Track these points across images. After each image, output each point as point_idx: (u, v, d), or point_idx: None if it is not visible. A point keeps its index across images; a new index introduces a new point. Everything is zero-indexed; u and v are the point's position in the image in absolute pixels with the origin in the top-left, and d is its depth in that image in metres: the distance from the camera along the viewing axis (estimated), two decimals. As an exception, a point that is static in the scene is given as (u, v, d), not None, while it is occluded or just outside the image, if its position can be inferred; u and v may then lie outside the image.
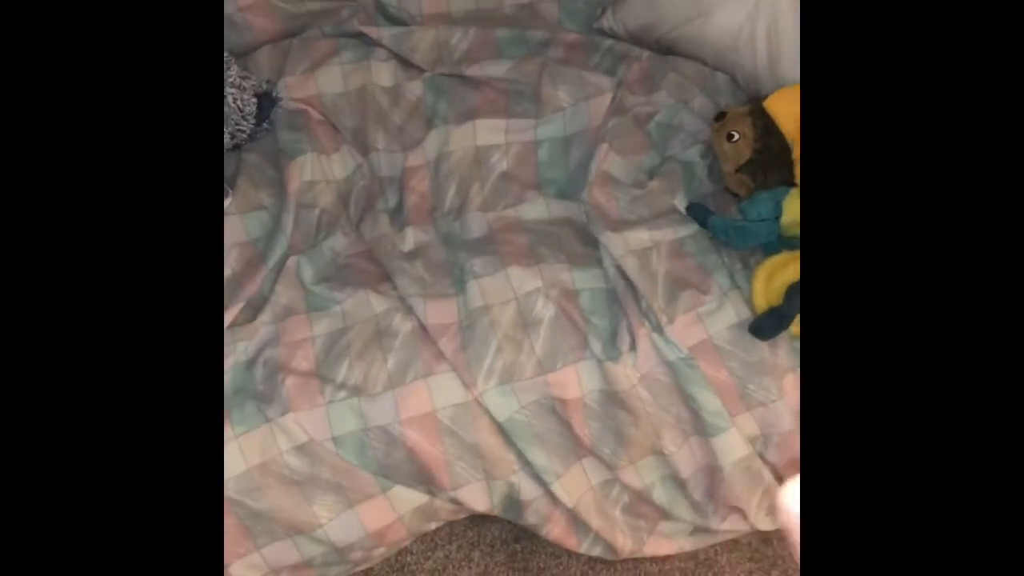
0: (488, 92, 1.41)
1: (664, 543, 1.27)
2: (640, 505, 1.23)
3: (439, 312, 1.18)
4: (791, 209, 1.19)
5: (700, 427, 1.16)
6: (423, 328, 1.17)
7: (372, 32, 1.45)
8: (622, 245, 1.21)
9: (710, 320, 1.17)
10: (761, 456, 1.19)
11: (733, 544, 1.36)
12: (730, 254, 1.25)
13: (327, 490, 1.14)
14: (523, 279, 1.19)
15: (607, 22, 1.51)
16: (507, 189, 1.34)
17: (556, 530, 1.22)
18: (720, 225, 1.25)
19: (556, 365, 1.15)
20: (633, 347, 1.15)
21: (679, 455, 1.18)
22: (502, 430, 1.15)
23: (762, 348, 1.16)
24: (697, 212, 1.27)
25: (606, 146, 1.30)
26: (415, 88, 1.43)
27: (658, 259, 1.21)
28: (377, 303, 1.19)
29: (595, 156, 1.30)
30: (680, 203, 1.30)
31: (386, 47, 1.45)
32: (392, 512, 1.16)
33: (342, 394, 1.12)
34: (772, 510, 1.22)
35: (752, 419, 1.17)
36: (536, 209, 1.32)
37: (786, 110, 1.22)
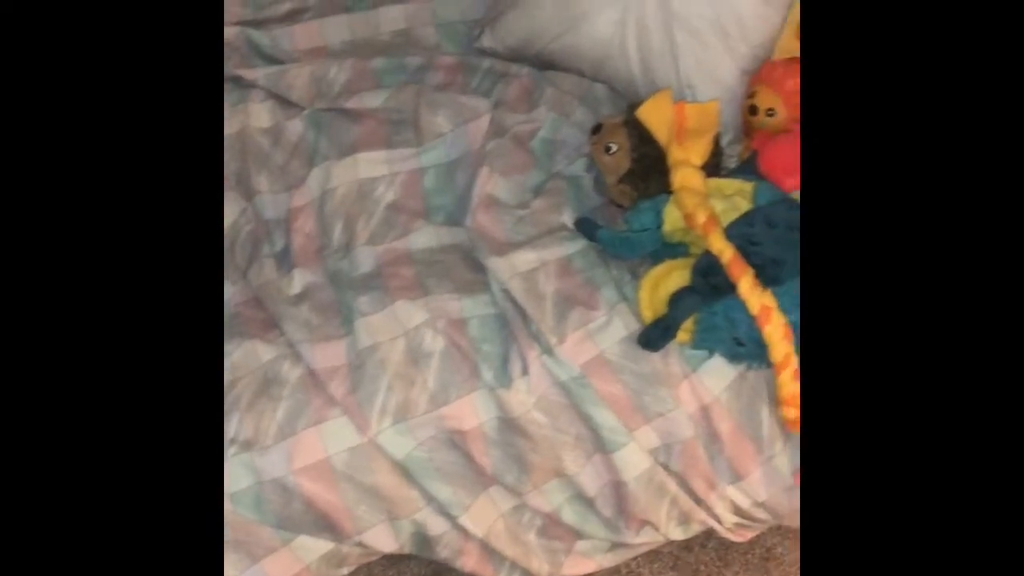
0: (369, 123, 1.39)
1: (583, 562, 1.26)
2: (553, 528, 1.22)
3: (327, 355, 1.16)
4: (671, 217, 1.19)
5: (600, 444, 1.15)
6: (312, 374, 1.15)
7: (247, 74, 1.43)
8: (507, 269, 1.20)
9: (600, 336, 1.16)
10: (665, 466, 1.18)
11: (654, 555, 1.36)
12: (619, 266, 1.24)
13: (229, 548, 1.11)
14: (410, 313, 1.18)
15: (486, 41, 1.50)
16: (395, 220, 1.32)
17: (470, 562, 1.21)
18: (607, 238, 1.24)
19: (450, 398, 1.14)
20: (525, 371, 1.14)
21: (583, 475, 1.17)
22: (401, 469, 1.14)
23: (654, 359, 1.15)
24: (585, 227, 1.27)
25: (487, 169, 1.29)
26: (295, 126, 1.41)
27: (546, 279, 1.21)
28: (264, 352, 1.17)
29: (476, 180, 1.29)
30: (568, 219, 1.29)
31: (263, 87, 1.43)
32: (298, 562, 1.14)
33: (233, 450, 1.10)
34: (683, 519, 1.21)
35: (652, 431, 1.16)
36: (425, 238, 1.30)
37: (657, 117, 1.22)
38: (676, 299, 1.12)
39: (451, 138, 1.36)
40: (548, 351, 1.14)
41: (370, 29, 1.52)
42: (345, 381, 1.14)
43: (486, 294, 1.21)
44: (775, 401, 1.14)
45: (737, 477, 1.19)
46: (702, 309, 1.11)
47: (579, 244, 1.25)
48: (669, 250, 1.22)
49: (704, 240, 1.11)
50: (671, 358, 1.16)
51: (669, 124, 1.21)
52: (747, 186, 1.19)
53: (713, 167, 1.26)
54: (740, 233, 1.11)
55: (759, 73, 1.27)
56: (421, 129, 1.36)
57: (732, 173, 1.26)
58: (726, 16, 1.28)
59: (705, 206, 1.12)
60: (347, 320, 1.19)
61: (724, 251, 1.08)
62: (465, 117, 1.36)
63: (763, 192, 1.16)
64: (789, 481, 1.19)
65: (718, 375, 1.16)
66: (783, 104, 1.23)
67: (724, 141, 1.35)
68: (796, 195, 1.16)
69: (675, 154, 1.18)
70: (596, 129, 1.30)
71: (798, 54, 1.26)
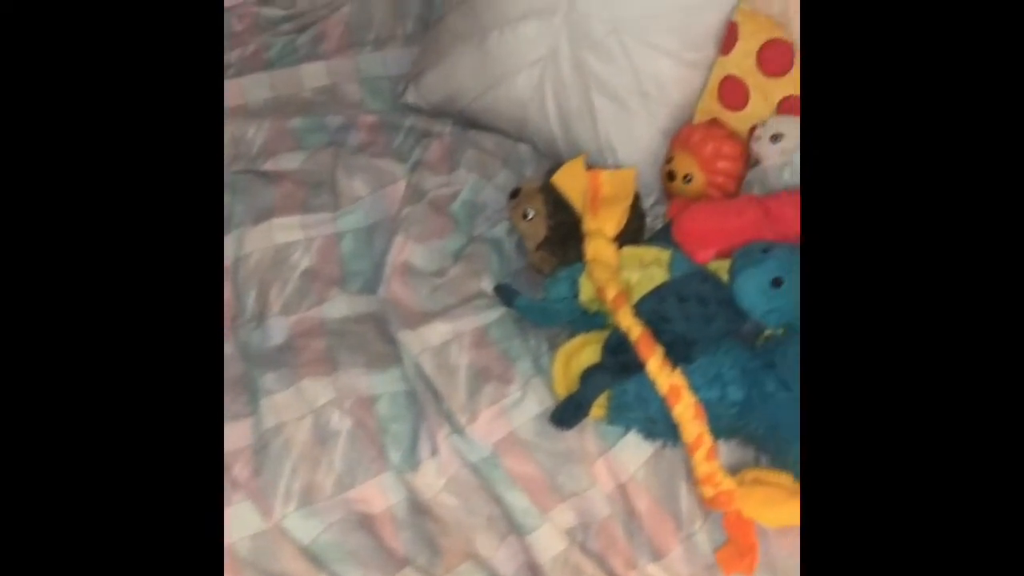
0: (286, 186, 1.36)
1: (501, 643, 1.22)
2: (471, 609, 1.19)
3: (233, 436, 1.12)
4: (587, 287, 1.16)
5: (514, 526, 1.12)
6: (215, 456, 1.11)
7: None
8: (418, 343, 1.16)
9: (514, 412, 1.13)
10: (582, 546, 1.14)
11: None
12: (538, 335, 1.21)
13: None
14: (317, 391, 1.14)
15: (411, 97, 1.47)
16: (309, 288, 1.28)
17: (384, 645, 1.17)
18: (525, 306, 1.21)
19: (356, 480, 1.10)
20: (435, 452, 1.10)
21: (496, 558, 1.13)
22: (308, 554, 1.10)
23: (568, 436, 1.12)
24: (504, 293, 1.24)
25: (401, 238, 1.26)
26: (212, 189, 1.37)
27: (459, 351, 1.17)
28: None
29: (391, 249, 1.25)
30: (488, 285, 1.26)
31: (179, 149, 1.39)
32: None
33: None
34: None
35: (567, 510, 1.13)
36: (339, 307, 1.26)
37: (571, 184, 1.20)
38: (586, 377, 1.09)
39: (369, 202, 1.32)
40: (458, 431, 1.11)
41: (292, 86, 1.49)
42: (249, 464, 1.10)
43: (398, 368, 1.17)
44: (692, 479, 1.11)
45: (657, 555, 1.15)
46: (613, 387, 1.07)
47: (497, 312, 1.22)
48: (587, 320, 1.19)
49: (613, 316, 1.08)
50: (586, 435, 1.12)
51: (583, 191, 1.19)
52: (664, 254, 1.16)
53: (634, 232, 1.24)
54: (650, 309, 1.08)
55: (678, 136, 1.24)
56: (338, 193, 1.33)
57: (652, 238, 1.23)
58: (646, 78, 1.26)
59: (615, 281, 1.09)
60: (253, 399, 1.15)
61: (632, 328, 1.05)
62: (382, 181, 1.33)
63: (678, 263, 1.13)
64: (710, 559, 1.15)
65: (635, 452, 1.12)
66: (700, 169, 1.20)
67: (648, 203, 1.33)
68: (716, 265, 1.13)
69: (588, 224, 1.16)
70: (514, 194, 1.27)
71: (718, 115, 1.24)
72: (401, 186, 1.32)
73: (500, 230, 1.32)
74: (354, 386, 1.15)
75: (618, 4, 1.23)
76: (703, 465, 1.05)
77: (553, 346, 1.21)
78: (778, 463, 1.07)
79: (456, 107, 1.43)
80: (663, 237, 1.20)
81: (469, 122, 1.45)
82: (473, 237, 1.32)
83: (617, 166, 1.32)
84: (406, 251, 1.26)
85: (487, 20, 1.32)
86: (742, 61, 1.18)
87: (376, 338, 1.21)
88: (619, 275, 1.11)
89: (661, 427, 1.08)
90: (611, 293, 1.08)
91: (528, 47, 1.29)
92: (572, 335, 1.19)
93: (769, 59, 1.16)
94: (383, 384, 1.16)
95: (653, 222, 1.33)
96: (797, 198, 1.09)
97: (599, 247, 1.13)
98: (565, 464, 1.12)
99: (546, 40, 1.28)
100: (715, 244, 1.10)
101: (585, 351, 1.12)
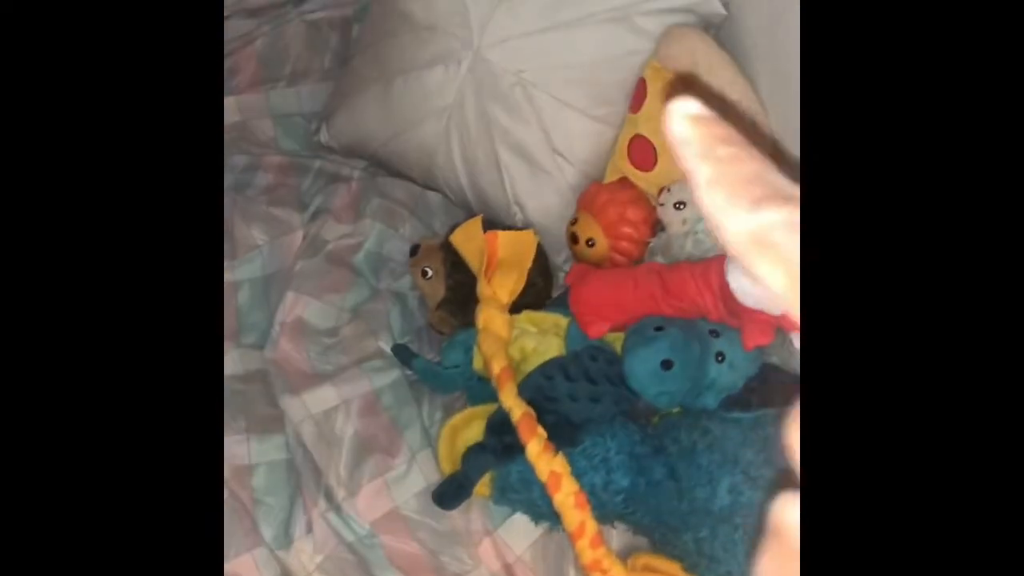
0: (184, 231, 1.29)
1: None
2: None
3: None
4: (478, 356, 1.10)
5: (392, 608, 1.07)
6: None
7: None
8: (301, 409, 1.11)
9: (397, 487, 1.07)
10: (465, 629, 1.09)
11: None
12: (432, 401, 1.16)
13: None
14: (192, 460, 1.08)
15: (324, 136, 1.41)
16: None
17: None
18: (422, 369, 1.16)
19: (229, 555, 1.05)
20: (310, 529, 1.05)
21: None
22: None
23: (453, 515, 1.06)
24: (401, 354, 1.18)
25: (292, 295, 1.20)
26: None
27: (345, 419, 1.12)
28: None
29: (281, 306, 1.20)
30: (386, 343, 1.20)
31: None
32: None
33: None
34: None
35: (451, 591, 1.08)
36: (231, 363, 1.21)
37: (469, 246, 1.14)
38: (468, 456, 1.03)
39: (267, 250, 1.27)
40: (336, 507, 1.05)
41: (200, 122, 1.43)
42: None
43: (281, 435, 1.12)
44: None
45: (545, 640, 1.10)
46: (497, 468, 1.02)
47: (393, 375, 1.16)
48: (483, 387, 1.13)
49: (498, 394, 1.02)
50: (472, 514, 1.07)
51: (480, 253, 1.13)
52: (563, 321, 1.11)
53: (538, 293, 1.18)
54: (536, 386, 1.03)
55: (584, 196, 1.18)
56: (236, 240, 1.27)
57: (555, 302, 1.17)
58: (554, 132, 1.20)
59: (501, 354, 1.04)
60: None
61: (515, 409, 0.99)
62: (280, 231, 1.27)
63: (574, 334, 1.08)
64: (601, 643, 1.11)
65: (522, 533, 1.07)
66: (603, 235, 1.14)
67: (559, 259, 1.27)
68: (612, 337, 1.08)
69: (482, 289, 1.10)
70: (414, 250, 1.21)
71: (627, 174, 1.18)
72: (295, 237, 1.26)
73: (404, 283, 1.27)
74: (233, 454, 1.09)
75: (524, 55, 1.17)
76: (587, 552, 1.00)
77: (448, 412, 1.15)
78: (666, 551, 1.02)
79: (367, 150, 1.37)
80: (563, 302, 1.15)
81: (382, 164, 1.39)
82: (376, 290, 1.26)
83: (525, 222, 1.26)
84: (299, 307, 1.20)
85: (393, 65, 1.26)
86: (650, 120, 1.12)
87: (262, 400, 1.16)
88: (507, 348, 1.05)
89: (546, 511, 1.02)
90: (496, 368, 1.03)
91: (434, 95, 1.23)
92: (467, 403, 1.15)
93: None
94: (263, 452, 1.10)
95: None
96: (696, 270, 1.03)
97: (490, 316, 1.07)
98: (449, 545, 1.07)
99: (452, 88, 1.22)
100: (609, 318, 1.05)
101: (472, 426, 1.07)
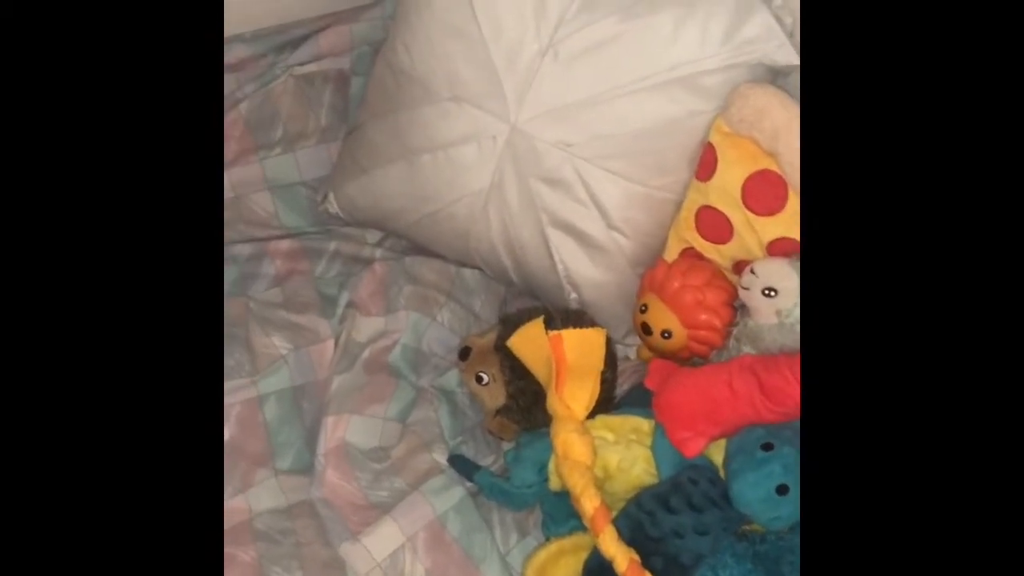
0: (194, 343, 1.14)
1: None
2: None
3: None
4: (555, 477, 0.99)
5: None
6: None
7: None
8: (366, 560, 0.99)
9: (484, 635, 0.97)
10: None
11: None
12: (504, 521, 1.04)
13: None
14: (249, 630, 0.97)
15: (331, 207, 1.25)
16: (232, 469, 1.09)
17: None
18: (487, 484, 1.05)
19: None
20: None
21: None
22: None
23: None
24: (460, 466, 1.07)
25: (333, 419, 1.06)
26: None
27: (414, 559, 1.00)
28: None
29: (322, 435, 1.06)
30: (441, 456, 1.08)
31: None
32: None
33: None
34: None
35: None
36: (268, 495, 1.07)
37: (531, 352, 1.01)
38: (567, 604, 0.93)
39: (292, 359, 1.12)
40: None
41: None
42: None
43: (344, 583, 1.00)
44: None
45: None
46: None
47: (455, 494, 1.04)
48: (561, 501, 1.02)
49: (593, 537, 0.91)
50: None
51: (545, 359, 1.00)
52: (644, 425, 0.99)
53: (608, 388, 1.06)
54: (635, 523, 0.91)
55: (651, 278, 1.05)
56: (255, 351, 1.13)
57: (625, 402, 1.05)
58: (610, 208, 1.06)
59: (590, 490, 0.92)
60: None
61: (618, 558, 0.88)
62: (306, 339, 1.12)
63: (662, 449, 0.96)
64: None
65: None
66: (679, 323, 1.02)
67: (619, 334, 1.15)
68: (712, 454, 0.96)
69: (554, 405, 0.97)
70: (464, 353, 1.08)
71: (696, 244, 1.05)
72: (326, 347, 1.12)
73: (451, 379, 1.14)
74: (293, 617, 0.98)
75: (571, 126, 1.02)
76: None
77: (523, 533, 1.05)
78: None
79: (387, 227, 1.22)
80: (638, 400, 1.03)
81: (403, 238, 1.24)
82: (420, 389, 1.13)
83: (581, 302, 1.13)
84: (339, 429, 1.07)
85: (416, 142, 1.10)
86: (724, 194, 0.99)
87: (317, 541, 1.03)
88: (594, 482, 0.93)
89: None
90: (589, 507, 0.91)
91: (468, 175, 1.08)
92: (544, 520, 1.04)
93: (755, 194, 0.97)
94: (327, 611, 0.99)
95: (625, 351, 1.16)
96: (797, 366, 0.92)
97: (570, 443, 0.95)
98: None
99: (488, 168, 1.07)
100: (705, 432, 0.94)
101: (560, 565, 0.96)
